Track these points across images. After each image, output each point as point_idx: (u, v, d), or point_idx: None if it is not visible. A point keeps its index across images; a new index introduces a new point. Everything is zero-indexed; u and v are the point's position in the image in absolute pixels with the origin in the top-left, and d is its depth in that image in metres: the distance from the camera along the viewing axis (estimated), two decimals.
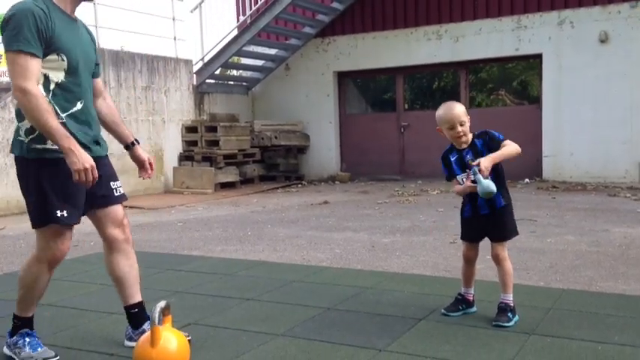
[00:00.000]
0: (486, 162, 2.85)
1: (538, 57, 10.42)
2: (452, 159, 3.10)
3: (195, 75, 11.08)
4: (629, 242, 5.00)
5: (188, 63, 10.94)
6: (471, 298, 3.20)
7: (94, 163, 2.54)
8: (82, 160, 2.49)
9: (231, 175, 10.59)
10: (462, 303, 3.18)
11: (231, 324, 3.13)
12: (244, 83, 12.53)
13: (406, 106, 11.92)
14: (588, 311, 3.18)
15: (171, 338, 2.40)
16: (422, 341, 2.80)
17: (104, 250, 2.85)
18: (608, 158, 9.86)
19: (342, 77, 12.12)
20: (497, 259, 3.04)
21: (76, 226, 2.71)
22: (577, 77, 10.00)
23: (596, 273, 4.02)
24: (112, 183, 2.83)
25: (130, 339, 2.83)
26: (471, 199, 3.07)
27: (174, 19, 10.84)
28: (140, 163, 3.01)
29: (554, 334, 2.85)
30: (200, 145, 10.54)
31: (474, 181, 2.88)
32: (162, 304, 2.40)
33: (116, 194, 2.82)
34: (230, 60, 11.41)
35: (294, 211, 7.65)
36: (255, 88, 12.52)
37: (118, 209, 2.81)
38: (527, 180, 10.15)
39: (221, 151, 10.35)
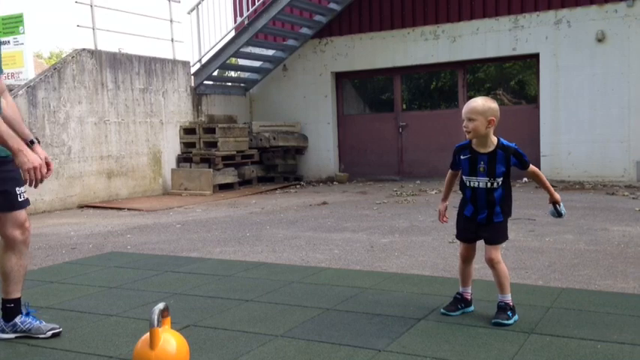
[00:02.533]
0: (559, 198, 3.17)
1: (535, 57, 10.44)
2: (462, 157, 3.07)
3: (192, 76, 11.07)
4: (628, 241, 5.01)
5: (186, 64, 10.93)
6: (469, 297, 3.20)
7: (42, 161, 2.69)
8: (31, 159, 2.60)
9: (229, 176, 10.59)
10: (460, 302, 3.18)
11: (230, 325, 3.13)
12: (242, 84, 12.52)
13: (404, 106, 11.93)
14: (587, 310, 3.19)
15: (170, 340, 2.40)
16: (421, 341, 2.80)
17: (0, 244, 2.99)
18: (606, 157, 9.88)
19: (340, 78, 12.13)
20: (491, 263, 3.04)
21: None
22: (574, 77, 10.02)
23: (595, 272, 4.02)
24: (17, 189, 2.94)
25: (2, 331, 2.98)
26: (473, 201, 3.08)
27: (171, 21, 10.83)
28: None
29: (553, 333, 2.85)
30: (198, 147, 10.54)
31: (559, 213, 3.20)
32: (160, 305, 2.39)
33: (20, 200, 2.94)
34: (228, 61, 11.41)
35: (292, 212, 7.65)
36: (253, 90, 12.52)
37: (20, 214, 2.94)
38: (525, 179, 10.16)
39: (219, 153, 10.35)
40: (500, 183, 3.00)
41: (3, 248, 2.97)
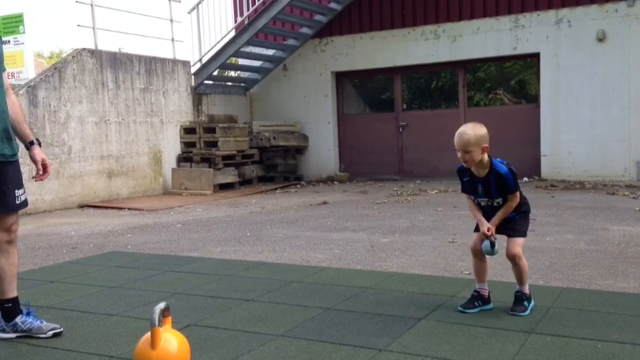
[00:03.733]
0: (494, 228, 3.06)
1: (536, 56, 10.44)
2: (464, 179, 3.17)
3: (193, 76, 11.07)
4: (628, 240, 5.01)
5: (186, 64, 10.93)
6: (487, 295, 3.20)
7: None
8: None
9: (229, 176, 10.59)
10: (477, 299, 3.20)
11: (230, 325, 3.13)
12: (242, 84, 12.52)
13: (404, 106, 11.93)
14: (588, 309, 3.19)
15: (171, 339, 2.40)
16: (422, 341, 2.80)
17: None
18: (606, 157, 9.88)
19: (340, 77, 12.13)
20: (513, 260, 3.10)
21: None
22: (575, 76, 10.02)
23: (596, 271, 4.02)
24: (16, 191, 2.94)
25: (3, 331, 2.98)
26: (485, 211, 3.15)
27: (171, 21, 10.83)
28: (34, 164, 3.08)
29: (553, 332, 2.85)
30: (198, 147, 10.54)
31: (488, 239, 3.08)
32: (161, 305, 2.39)
33: (17, 202, 2.94)
34: (228, 61, 11.41)
35: (293, 211, 7.65)
36: (253, 89, 12.52)
37: (10, 217, 2.95)
38: (525, 179, 10.16)
39: (220, 152, 10.35)
40: (500, 202, 3.08)
41: None
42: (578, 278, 3.87)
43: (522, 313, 3.07)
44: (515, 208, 3.09)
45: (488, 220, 3.12)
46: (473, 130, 3.01)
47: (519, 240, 3.10)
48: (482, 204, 3.14)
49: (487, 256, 3.17)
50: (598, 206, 7.08)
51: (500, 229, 3.12)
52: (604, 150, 9.88)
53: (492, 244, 3.05)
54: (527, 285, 3.16)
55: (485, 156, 3.05)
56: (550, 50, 10.19)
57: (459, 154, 3.05)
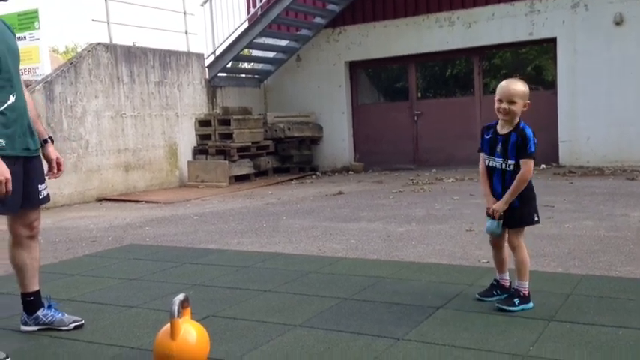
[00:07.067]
0: (499, 208, 2.98)
1: (552, 41, 10.30)
2: (485, 137, 3.10)
3: (207, 69, 11.10)
4: None
5: (200, 57, 10.96)
6: (507, 284, 3.17)
7: (9, 176, 2.62)
8: (1, 171, 2.60)
9: (245, 167, 10.62)
10: (496, 288, 3.18)
11: (249, 315, 3.15)
12: (256, 76, 12.52)
13: (419, 94, 11.86)
14: (608, 296, 3.16)
15: (191, 330, 2.42)
16: (440, 329, 2.80)
17: (9, 240, 3.00)
18: (624, 142, 9.75)
19: (354, 67, 12.08)
20: (511, 247, 3.07)
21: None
22: (592, 61, 9.88)
23: (615, 258, 3.98)
24: (39, 186, 2.95)
25: (25, 323, 3.02)
26: (492, 181, 3.09)
27: (185, 13, 10.84)
28: (48, 162, 3.08)
29: (573, 319, 2.83)
30: (214, 139, 10.58)
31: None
32: (180, 296, 2.42)
33: (40, 197, 2.95)
34: (241, 53, 11.41)
35: (308, 202, 7.66)
36: (267, 81, 12.52)
37: (32, 212, 2.96)
38: (543, 166, 10.06)
39: (235, 144, 10.38)
40: (512, 166, 2.99)
41: (12, 244, 2.98)
42: (597, 265, 3.83)
43: (506, 307, 2.96)
44: (520, 193, 2.98)
45: (494, 187, 3.06)
46: (522, 84, 3.00)
47: (518, 229, 3.03)
48: (496, 166, 3.03)
49: (507, 248, 3.15)
50: (617, 192, 7.00)
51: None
52: (622, 135, 9.75)
53: (495, 225, 3.01)
54: (526, 282, 3.01)
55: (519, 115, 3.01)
56: (566, 35, 10.05)
57: (501, 105, 2.96)
